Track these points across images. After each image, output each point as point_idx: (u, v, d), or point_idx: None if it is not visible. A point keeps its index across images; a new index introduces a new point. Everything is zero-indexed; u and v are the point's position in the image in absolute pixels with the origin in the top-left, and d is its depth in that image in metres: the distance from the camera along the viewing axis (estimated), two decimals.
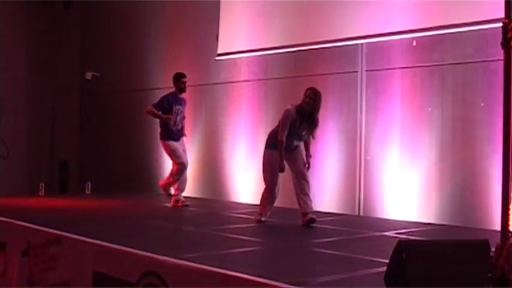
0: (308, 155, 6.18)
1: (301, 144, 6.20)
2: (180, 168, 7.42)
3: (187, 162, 7.57)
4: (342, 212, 7.36)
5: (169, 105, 7.43)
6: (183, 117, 7.60)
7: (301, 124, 5.98)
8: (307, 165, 6.13)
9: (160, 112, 7.41)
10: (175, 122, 7.45)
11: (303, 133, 6.06)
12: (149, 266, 4.01)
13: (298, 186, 6.03)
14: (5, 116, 10.37)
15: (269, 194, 6.14)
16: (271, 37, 8.36)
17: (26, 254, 5.39)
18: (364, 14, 7.28)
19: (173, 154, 7.46)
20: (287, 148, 6.01)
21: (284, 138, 5.92)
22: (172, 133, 7.47)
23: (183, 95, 7.62)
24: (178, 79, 7.53)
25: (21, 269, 5.41)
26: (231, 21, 8.93)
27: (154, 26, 10.47)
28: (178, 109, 7.49)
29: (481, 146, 6.27)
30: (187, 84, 7.55)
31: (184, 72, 7.61)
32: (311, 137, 6.14)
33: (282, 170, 5.98)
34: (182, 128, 7.61)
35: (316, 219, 5.93)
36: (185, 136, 7.75)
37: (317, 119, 6.02)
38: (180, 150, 7.51)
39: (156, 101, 7.57)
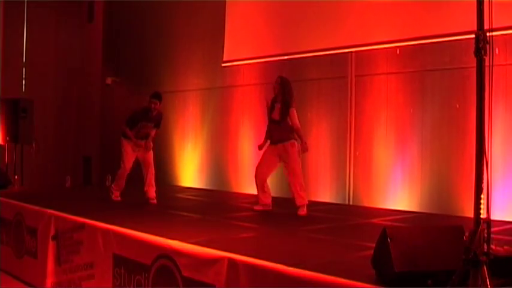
0: (302, 143, 5.96)
1: (295, 144, 6.01)
2: (120, 170, 6.91)
3: (128, 169, 6.89)
4: (333, 201, 7.36)
5: (136, 120, 6.78)
6: (147, 133, 6.86)
7: (273, 109, 6.04)
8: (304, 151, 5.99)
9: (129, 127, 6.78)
10: (138, 132, 6.80)
11: (277, 117, 6.01)
12: (163, 249, 4.02)
13: (292, 182, 5.97)
14: (36, 116, 10.38)
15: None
16: (270, 46, 8.35)
17: (54, 238, 5.41)
18: (353, 26, 7.27)
19: (122, 155, 6.89)
20: (271, 140, 6.06)
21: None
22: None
23: (156, 111, 6.78)
24: (149, 99, 6.76)
25: (51, 251, 5.43)
26: (235, 32, 8.93)
27: (167, 36, 10.47)
28: (146, 125, 6.79)
29: (457, 142, 6.26)
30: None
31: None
32: (288, 119, 5.96)
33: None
34: (144, 137, 6.86)
35: (306, 214, 5.84)
36: (147, 146, 6.88)
37: (288, 101, 5.97)
38: (129, 155, 6.86)
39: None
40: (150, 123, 6.85)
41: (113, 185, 7.11)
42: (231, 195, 8.30)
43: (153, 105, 6.73)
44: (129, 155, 6.89)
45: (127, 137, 6.83)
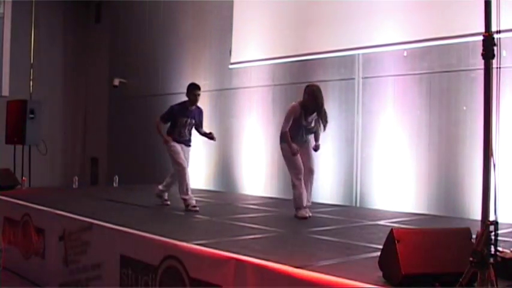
0: (316, 143, 5.99)
1: (311, 140, 5.99)
2: (179, 169, 6.31)
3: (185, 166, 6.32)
4: (341, 203, 7.37)
5: (173, 117, 6.35)
6: (191, 128, 6.44)
7: (306, 118, 5.81)
8: (316, 151, 5.95)
9: (165, 124, 6.42)
10: (180, 134, 6.37)
11: (311, 126, 5.89)
12: (170, 250, 4.03)
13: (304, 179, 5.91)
14: (44, 118, 10.44)
15: (296, 182, 5.75)
16: (278, 48, 8.37)
17: (62, 239, 5.44)
18: (360, 28, 7.28)
19: (173, 155, 6.33)
20: (296, 140, 5.79)
21: (287, 130, 5.72)
22: (175, 139, 6.36)
23: (196, 106, 6.41)
24: (191, 91, 6.32)
25: (58, 252, 5.46)
26: (243, 34, 8.96)
27: (175, 39, 10.51)
28: (186, 121, 6.34)
29: (464, 144, 6.26)
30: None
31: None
32: (321, 128, 5.90)
33: (294, 153, 5.68)
34: (189, 139, 6.49)
35: (308, 216, 5.75)
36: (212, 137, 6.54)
37: (325, 112, 5.81)
38: (180, 152, 6.32)
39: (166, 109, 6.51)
40: (190, 119, 6.34)
41: (179, 191, 6.34)
42: (238, 196, 8.31)
43: (197, 96, 6.27)
44: (180, 152, 6.31)
45: (170, 138, 6.32)
